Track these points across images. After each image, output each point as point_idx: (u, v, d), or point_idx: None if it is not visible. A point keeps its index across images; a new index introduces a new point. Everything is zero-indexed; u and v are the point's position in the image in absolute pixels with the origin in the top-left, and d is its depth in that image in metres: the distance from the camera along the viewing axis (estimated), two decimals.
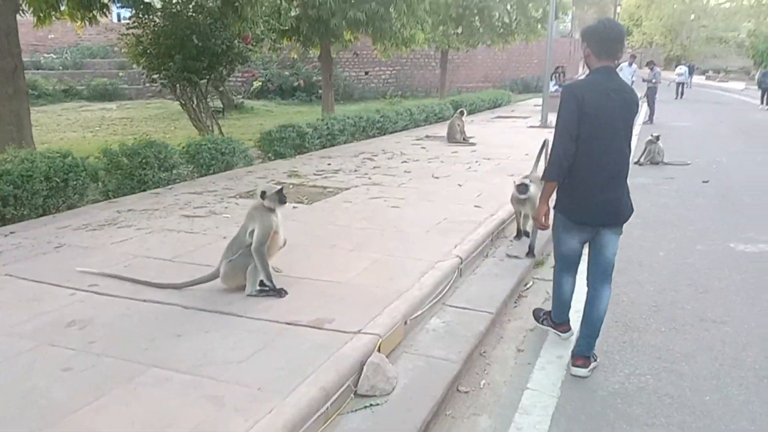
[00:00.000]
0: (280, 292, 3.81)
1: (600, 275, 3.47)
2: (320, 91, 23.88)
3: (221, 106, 18.92)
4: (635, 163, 10.48)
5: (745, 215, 6.98)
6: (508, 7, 21.67)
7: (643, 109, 17.80)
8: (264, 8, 9.76)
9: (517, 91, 29.57)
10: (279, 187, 3.99)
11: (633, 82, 17.92)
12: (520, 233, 5.52)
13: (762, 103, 24.47)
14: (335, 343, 3.16)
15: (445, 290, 4.20)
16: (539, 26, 22.33)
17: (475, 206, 6.26)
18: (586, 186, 3.24)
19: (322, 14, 12.16)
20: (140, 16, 9.98)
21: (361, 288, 3.95)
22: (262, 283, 3.83)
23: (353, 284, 4.02)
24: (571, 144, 3.15)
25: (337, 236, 5.13)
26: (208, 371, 2.89)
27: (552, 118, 15.50)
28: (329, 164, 8.88)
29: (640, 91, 17.78)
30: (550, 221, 3.51)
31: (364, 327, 3.33)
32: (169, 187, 7.17)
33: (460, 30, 21.27)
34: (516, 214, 5.50)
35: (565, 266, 3.62)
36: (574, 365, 3.43)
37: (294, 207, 6.18)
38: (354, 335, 3.24)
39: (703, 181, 8.93)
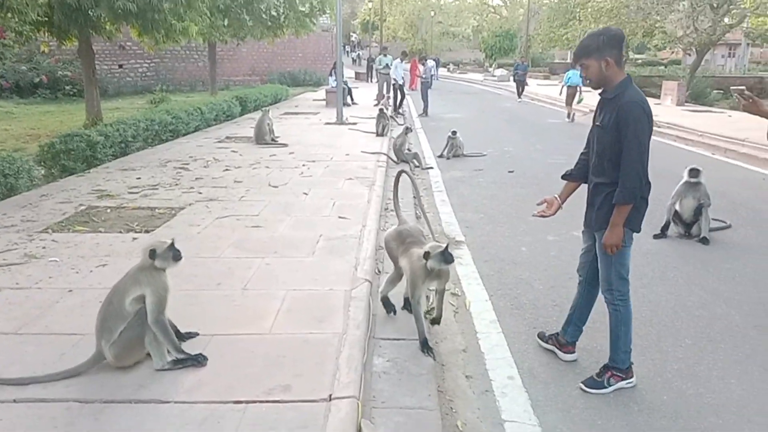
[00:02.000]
0: (197, 359, 3.08)
1: None
2: (67, 88, 21.15)
3: None
4: (439, 156, 11.01)
5: (566, 202, 7.66)
6: (276, 0, 21.28)
7: (410, 102, 18.88)
8: None
9: (286, 84, 29.34)
10: (170, 241, 3.20)
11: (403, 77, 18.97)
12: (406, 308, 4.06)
13: (519, 96, 24.72)
14: (314, 418, 2.62)
15: (370, 323, 3.81)
16: (308, 20, 22.27)
17: (340, 217, 5.90)
18: (646, 197, 3.24)
19: (82, 3, 10.48)
20: None
21: (294, 339, 3.37)
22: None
23: (281, 334, 3.43)
24: (647, 161, 3.10)
25: (214, 272, 4.39)
26: None
27: (346, 113, 15.75)
28: (138, 178, 7.70)
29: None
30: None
31: (334, 390, 2.82)
32: None
33: (226, 22, 20.32)
34: (414, 291, 3.60)
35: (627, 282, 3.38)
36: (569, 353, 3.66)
37: (134, 238, 5.18)
38: (329, 403, 2.73)
39: (509, 171, 9.67)
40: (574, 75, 16.95)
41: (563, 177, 3.72)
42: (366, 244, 5.02)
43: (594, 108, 3.46)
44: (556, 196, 3.70)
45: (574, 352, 3.71)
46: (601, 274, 3.40)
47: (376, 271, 4.77)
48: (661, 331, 4.11)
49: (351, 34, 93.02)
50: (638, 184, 3.10)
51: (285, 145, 10.75)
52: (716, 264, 5.39)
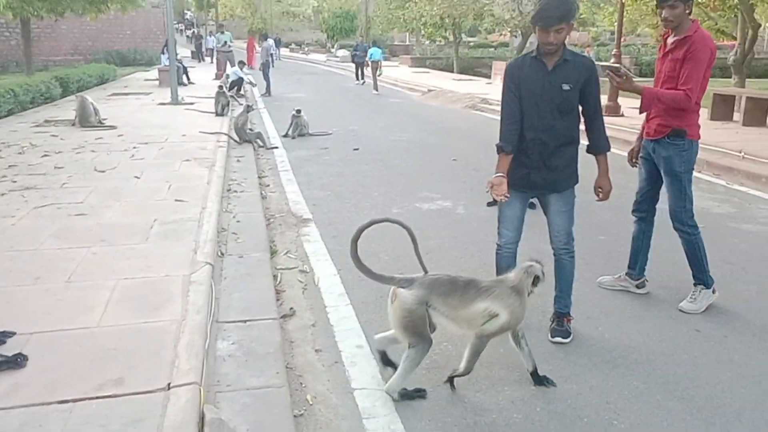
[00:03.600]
0: (16, 360, 2.74)
1: None
2: None
3: None
4: (284, 136, 10.83)
5: (407, 176, 7.91)
6: None
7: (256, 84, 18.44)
8: None
9: (114, 64, 27.20)
10: None
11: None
12: None
13: (357, 78, 23.32)
14: (151, 409, 2.43)
15: (212, 307, 3.64)
16: None
17: (177, 200, 5.57)
18: None
19: None
20: None
21: (126, 330, 3.12)
22: None
23: (112, 326, 3.15)
24: None
25: (33, 266, 3.94)
26: None
27: (183, 93, 14.88)
28: None
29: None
30: None
31: (173, 378, 2.64)
32: None
33: None
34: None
35: None
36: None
37: None
38: (166, 392, 2.55)
39: (354, 149, 9.75)
40: (376, 51, 20.81)
41: (503, 152, 3.42)
42: (206, 227, 4.79)
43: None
44: (500, 174, 3.41)
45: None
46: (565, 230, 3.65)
47: (219, 253, 4.57)
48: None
49: (185, 11, 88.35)
50: None
51: (113, 127, 9.95)
52: (543, 225, 5.80)
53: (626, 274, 4.32)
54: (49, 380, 2.62)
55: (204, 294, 3.56)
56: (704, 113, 12.42)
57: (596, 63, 3.96)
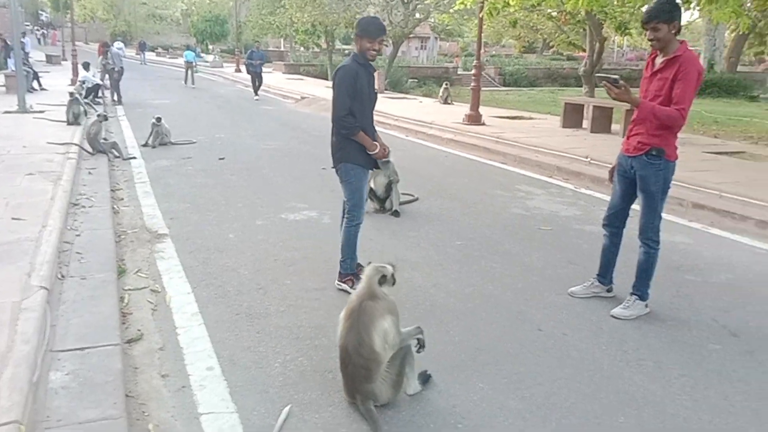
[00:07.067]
0: None
1: None
2: None
3: None
4: (143, 145, 10.32)
5: (274, 186, 7.79)
6: None
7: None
8: None
9: None
10: None
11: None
12: None
13: (255, 92, 20.16)
14: None
15: (47, 334, 3.35)
16: None
17: (14, 218, 5.09)
18: None
19: None
20: None
21: None
22: None
23: None
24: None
25: None
26: None
27: (33, 100, 13.58)
28: None
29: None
30: None
31: None
32: None
33: None
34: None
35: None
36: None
37: None
38: None
39: (220, 158, 9.46)
40: (189, 54, 26.02)
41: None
42: (45, 247, 4.41)
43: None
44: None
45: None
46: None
47: (59, 276, 4.23)
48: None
49: (40, 12, 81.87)
50: None
51: None
52: (404, 233, 5.96)
53: (598, 281, 4.46)
54: None
55: (35, 321, 3.27)
56: (556, 121, 13.40)
57: (596, 74, 4.14)
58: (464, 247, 5.57)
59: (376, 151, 4.36)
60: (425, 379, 3.24)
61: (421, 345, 3.18)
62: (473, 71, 13.30)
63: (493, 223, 6.39)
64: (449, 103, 17.85)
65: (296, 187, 7.78)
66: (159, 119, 10.45)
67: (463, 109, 14.18)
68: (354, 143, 4.30)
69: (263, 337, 3.77)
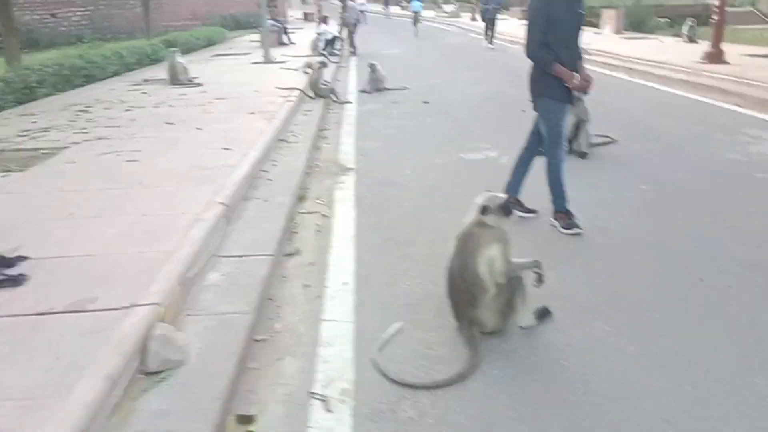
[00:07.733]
0: (16, 280, 3.13)
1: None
2: None
3: None
4: (361, 91, 10.95)
5: (464, 128, 7.79)
6: None
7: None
8: None
9: (229, 28, 28.47)
10: None
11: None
12: None
13: (490, 41, 19.72)
14: (108, 324, 2.70)
15: (217, 241, 3.90)
16: None
17: (224, 148, 5.89)
18: None
19: None
20: None
21: (121, 257, 3.44)
22: None
23: (111, 254, 3.49)
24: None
25: (71, 203, 4.39)
26: None
27: (281, 53, 15.38)
28: (34, 122, 7.53)
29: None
30: None
31: (138, 299, 2.90)
32: None
33: None
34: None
35: None
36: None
37: (2, 176, 5.14)
38: (127, 310, 2.81)
39: (424, 102, 9.69)
40: (415, 4, 26.22)
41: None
42: (237, 172, 5.05)
43: None
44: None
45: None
46: None
47: (244, 197, 4.82)
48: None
49: None
50: None
51: (200, 84, 10.56)
52: (582, 174, 5.54)
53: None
54: (37, 297, 2.98)
55: (205, 230, 3.80)
56: None
57: None
58: (648, 191, 5.04)
59: (576, 82, 4.09)
60: (543, 313, 3.10)
61: (540, 279, 3.03)
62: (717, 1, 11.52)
63: (695, 167, 5.64)
64: (695, 42, 15.74)
65: (486, 128, 7.69)
66: (374, 66, 10.99)
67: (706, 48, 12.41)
68: (551, 77, 4.07)
69: (402, 262, 3.90)
